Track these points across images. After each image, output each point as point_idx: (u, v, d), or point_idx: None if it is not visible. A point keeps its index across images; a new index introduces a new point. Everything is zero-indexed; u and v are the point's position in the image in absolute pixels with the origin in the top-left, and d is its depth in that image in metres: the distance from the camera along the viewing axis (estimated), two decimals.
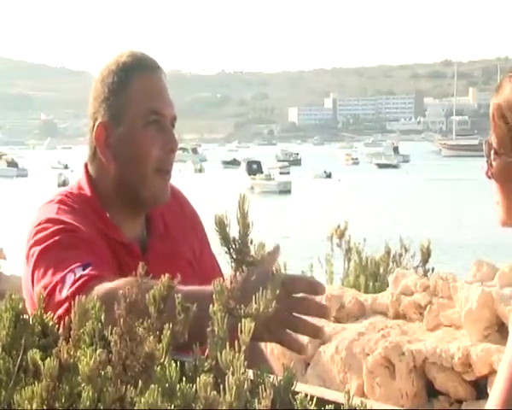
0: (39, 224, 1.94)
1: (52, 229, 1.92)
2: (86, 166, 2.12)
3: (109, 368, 1.18)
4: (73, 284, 1.77)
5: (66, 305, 1.70)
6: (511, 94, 1.60)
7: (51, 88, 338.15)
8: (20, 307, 1.31)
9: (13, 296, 1.31)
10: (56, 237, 1.90)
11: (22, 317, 1.31)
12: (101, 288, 1.71)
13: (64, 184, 42.10)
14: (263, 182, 56.08)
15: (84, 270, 1.79)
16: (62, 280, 1.79)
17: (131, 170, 2.03)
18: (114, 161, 2.04)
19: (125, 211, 2.07)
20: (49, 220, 1.95)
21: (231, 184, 49.91)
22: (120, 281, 1.67)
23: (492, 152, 1.64)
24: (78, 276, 1.78)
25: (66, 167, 79.42)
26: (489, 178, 1.68)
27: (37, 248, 1.89)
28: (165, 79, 2.11)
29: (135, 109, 2.03)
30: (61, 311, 1.69)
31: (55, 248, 1.88)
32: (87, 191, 2.07)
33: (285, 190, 55.09)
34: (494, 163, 1.64)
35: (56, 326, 1.38)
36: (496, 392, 1.41)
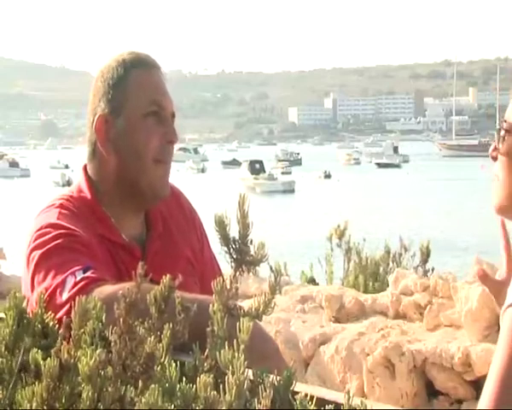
0: (40, 228, 1.95)
1: (53, 234, 1.92)
2: (85, 168, 2.13)
3: (109, 368, 1.18)
4: (74, 286, 1.77)
5: (66, 307, 1.69)
6: None
7: (51, 88, 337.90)
8: (24, 305, 1.31)
9: (17, 294, 1.31)
10: (57, 241, 1.90)
11: (25, 315, 1.31)
12: (102, 291, 1.71)
13: (68, 183, 42.18)
14: (266, 182, 56.13)
15: (84, 273, 1.80)
16: (63, 283, 1.79)
17: (131, 161, 2.04)
18: (115, 154, 2.05)
19: (125, 209, 2.07)
20: (49, 226, 1.95)
21: (234, 183, 49.97)
22: (120, 285, 1.66)
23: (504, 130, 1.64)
24: (78, 278, 1.78)
25: (66, 167, 79.35)
26: (494, 158, 1.67)
27: (38, 252, 1.90)
28: (164, 78, 2.12)
29: (135, 100, 2.04)
30: (61, 313, 1.68)
31: (55, 251, 1.88)
32: (87, 194, 2.08)
33: (289, 190, 55.16)
34: (506, 140, 1.64)
35: (57, 327, 1.38)
36: (487, 392, 1.40)
